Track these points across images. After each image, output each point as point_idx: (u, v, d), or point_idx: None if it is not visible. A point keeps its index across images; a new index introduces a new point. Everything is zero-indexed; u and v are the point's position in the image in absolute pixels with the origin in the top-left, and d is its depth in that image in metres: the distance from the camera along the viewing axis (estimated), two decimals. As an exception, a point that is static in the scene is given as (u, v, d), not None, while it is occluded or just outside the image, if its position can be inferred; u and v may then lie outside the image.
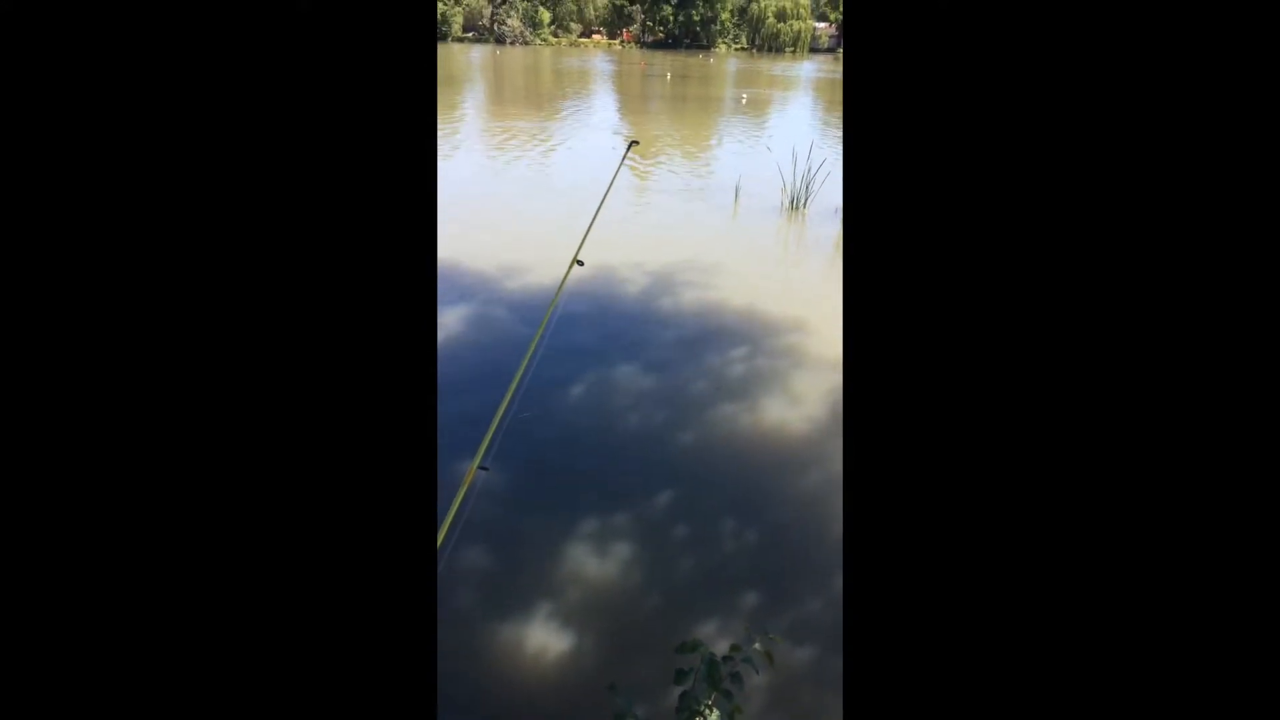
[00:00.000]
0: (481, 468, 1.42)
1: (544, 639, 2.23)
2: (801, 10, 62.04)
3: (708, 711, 1.43)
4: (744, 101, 19.97)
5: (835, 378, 3.96)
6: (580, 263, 2.17)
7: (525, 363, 1.69)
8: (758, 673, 1.51)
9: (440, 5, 56.68)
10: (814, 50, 62.81)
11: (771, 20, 61.45)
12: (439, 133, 11.83)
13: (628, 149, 3.00)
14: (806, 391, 3.84)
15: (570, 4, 64.89)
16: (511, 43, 58.89)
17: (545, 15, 62.47)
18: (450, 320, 4.66)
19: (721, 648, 1.55)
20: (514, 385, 1.59)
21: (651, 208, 7.85)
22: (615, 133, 13.18)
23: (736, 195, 8.11)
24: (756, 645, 1.48)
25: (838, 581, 2.46)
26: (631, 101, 20.40)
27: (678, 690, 1.44)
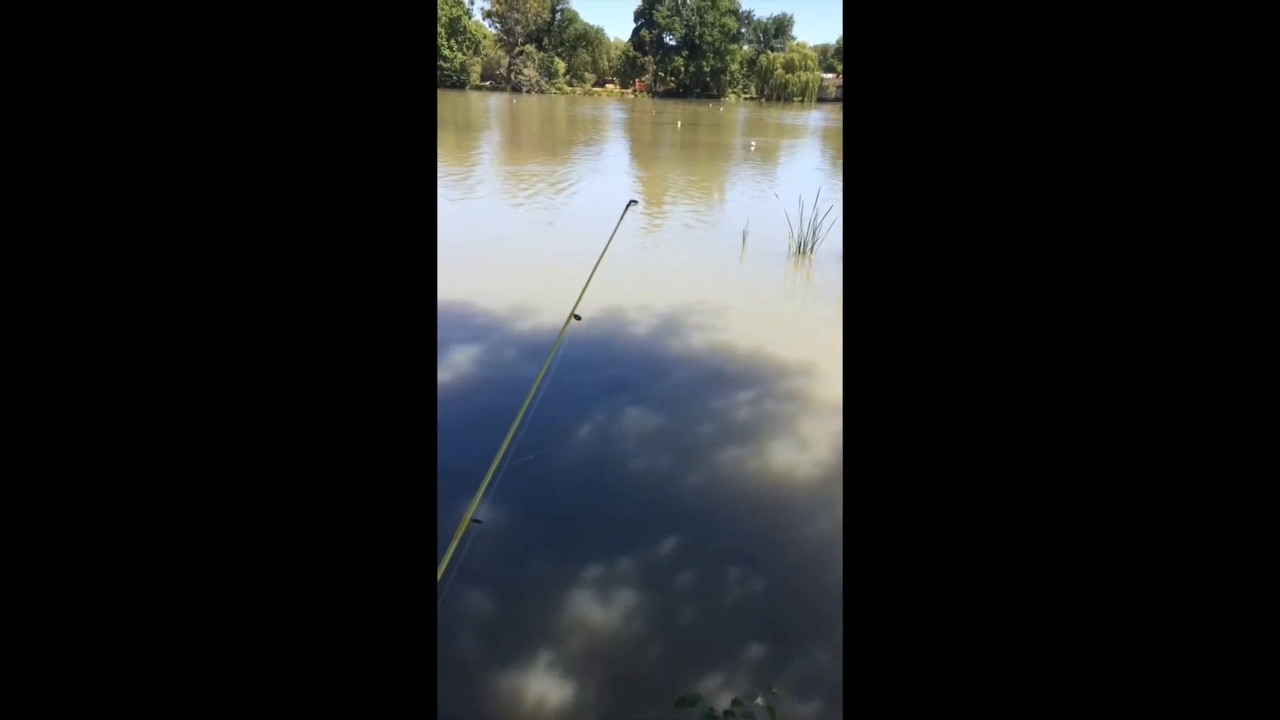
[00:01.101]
0: (475, 520, 1.39)
1: (542, 689, 2.18)
2: (809, 62, 63.76)
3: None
4: (752, 149, 20.38)
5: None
6: (577, 317, 2.14)
7: (522, 411, 1.69)
8: (760, 730, 1.46)
9: (459, 55, 58.62)
10: (821, 100, 64.30)
11: (780, 71, 63.14)
12: (455, 176, 12.10)
13: (625, 209, 2.79)
14: (814, 436, 3.81)
15: (584, 54, 67.05)
16: (527, 91, 60.72)
17: (560, 65, 64.53)
18: (459, 361, 4.69)
19: (724, 702, 1.51)
20: (510, 435, 1.59)
21: (659, 251, 7.94)
22: (632, 177, 13.41)
23: (744, 240, 8.21)
24: (759, 700, 1.44)
25: (845, 634, 2.39)
26: (642, 148, 20.86)
27: (676, 748, 1.39)
